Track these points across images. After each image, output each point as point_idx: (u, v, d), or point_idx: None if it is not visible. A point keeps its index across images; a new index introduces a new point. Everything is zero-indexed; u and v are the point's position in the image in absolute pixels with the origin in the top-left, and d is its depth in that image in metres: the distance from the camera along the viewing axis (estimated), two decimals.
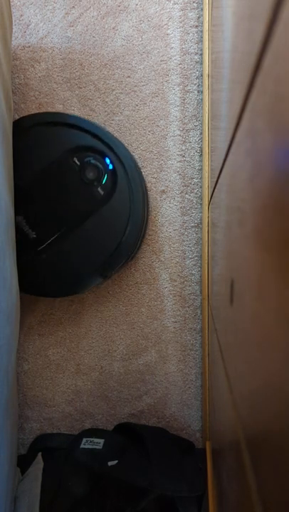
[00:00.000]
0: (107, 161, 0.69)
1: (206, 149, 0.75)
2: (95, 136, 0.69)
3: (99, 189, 0.69)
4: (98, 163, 0.69)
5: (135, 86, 0.78)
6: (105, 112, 0.78)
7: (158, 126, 0.77)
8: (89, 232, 0.69)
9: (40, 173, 0.70)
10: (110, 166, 0.69)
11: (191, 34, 0.76)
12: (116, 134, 0.78)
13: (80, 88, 0.79)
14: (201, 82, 0.76)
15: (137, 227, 0.70)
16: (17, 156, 0.66)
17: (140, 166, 0.78)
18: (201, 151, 0.77)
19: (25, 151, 0.70)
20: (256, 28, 0.21)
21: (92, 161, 0.69)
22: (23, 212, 0.69)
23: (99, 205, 0.69)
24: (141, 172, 0.76)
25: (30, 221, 0.70)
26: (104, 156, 0.69)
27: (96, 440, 0.74)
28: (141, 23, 0.77)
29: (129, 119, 0.78)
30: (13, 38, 0.79)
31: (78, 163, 0.69)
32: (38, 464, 0.68)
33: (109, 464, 0.68)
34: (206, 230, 0.75)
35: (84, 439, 0.74)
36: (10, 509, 0.59)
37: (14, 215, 0.63)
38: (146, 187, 0.77)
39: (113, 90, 0.78)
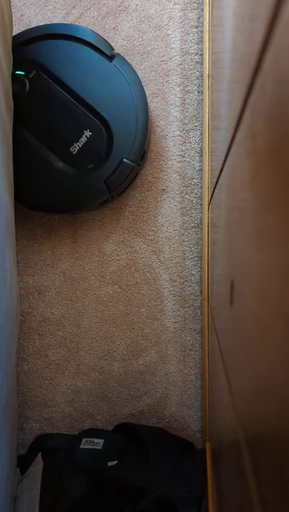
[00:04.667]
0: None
1: (206, 150, 0.75)
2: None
3: None
4: None
5: None
6: None
7: (158, 126, 0.77)
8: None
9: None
10: None
11: (191, 34, 0.76)
12: None
13: None
14: (201, 82, 0.76)
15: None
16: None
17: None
18: (201, 151, 0.77)
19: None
20: (256, 28, 0.22)
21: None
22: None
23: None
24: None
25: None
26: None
27: (96, 440, 0.74)
28: (141, 24, 0.77)
29: None
30: None
31: None
32: (38, 464, 0.68)
33: (109, 464, 0.68)
34: (206, 231, 0.75)
35: (84, 440, 0.74)
36: (10, 509, 0.58)
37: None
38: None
39: None
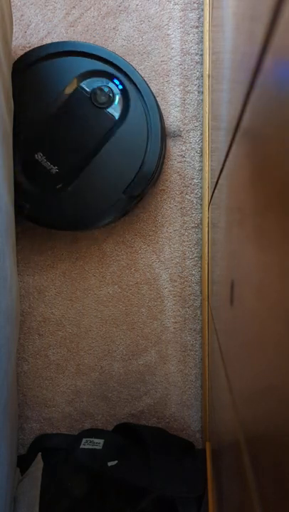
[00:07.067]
0: (116, 81, 0.70)
1: (206, 150, 0.75)
2: (100, 58, 0.70)
3: (111, 111, 0.70)
4: (107, 86, 0.70)
5: None
6: None
7: None
8: (111, 156, 0.70)
9: (51, 107, 0.70)
10: (120, 86, 0.70)
11: (191, 35, 0.76)
12: None
13: None
14: (202, 82, 0.76)
15: (157, 143, 0.70)
16: (25, 93, 0.69)
17: None
18: (202, 151, 0.77)
19: (33, 87, 0.71)
20: (257, 28, 0.22)
21: (101, 84, 0.70)
22: (42, 148, 0.71)
23: (115, 127, 0.70)
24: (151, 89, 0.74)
25: (50, 156, 0.71)
26: (112, 77, 0.70)
27: (96, 440, 0.74)
28: (141, 24, 0.77)
29: None
30: (13, 38, 0.79)
31: (88, 89, 0.70)
32: (38, 464, 0.68)
33: (109, 464, 0.68)
34: (206, 231, 0.75)
35: (84, 440, 0.74)
36: (9, 509, 0.59)
37: (34, 154, 0.66)
38: (157, 102, 0.75)
39: None
